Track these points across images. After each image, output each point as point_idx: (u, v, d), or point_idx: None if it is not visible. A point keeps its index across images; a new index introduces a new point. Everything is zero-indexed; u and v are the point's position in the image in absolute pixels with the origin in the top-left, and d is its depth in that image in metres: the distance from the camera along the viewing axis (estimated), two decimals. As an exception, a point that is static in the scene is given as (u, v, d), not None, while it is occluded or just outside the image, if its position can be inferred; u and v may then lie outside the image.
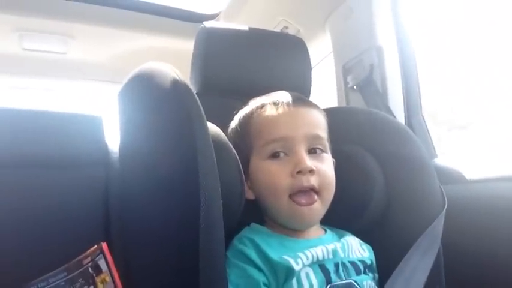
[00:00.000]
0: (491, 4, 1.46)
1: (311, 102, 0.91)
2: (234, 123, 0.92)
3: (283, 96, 0.87)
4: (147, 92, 0.75)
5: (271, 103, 0.86)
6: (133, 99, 0.80)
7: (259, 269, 0.72)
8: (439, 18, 1.51)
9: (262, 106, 0.87)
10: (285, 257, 0.74)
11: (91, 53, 1.89)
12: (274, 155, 0.82)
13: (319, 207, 0.81)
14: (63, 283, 0.80)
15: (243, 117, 0.90)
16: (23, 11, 1.57)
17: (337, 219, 0.89)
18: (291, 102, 0.86)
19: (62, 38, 1.74)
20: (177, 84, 0.69)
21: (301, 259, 0.75)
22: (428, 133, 1.27)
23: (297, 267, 0.73)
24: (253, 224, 0.84)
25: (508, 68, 1.50)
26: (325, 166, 0.83)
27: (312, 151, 0.83)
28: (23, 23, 1.64)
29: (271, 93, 0.90)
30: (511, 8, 1.33)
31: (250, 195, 0.84)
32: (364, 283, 0.78)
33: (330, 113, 0.93)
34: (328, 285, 0.74)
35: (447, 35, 1.57)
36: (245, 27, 1.14)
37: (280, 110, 0.84)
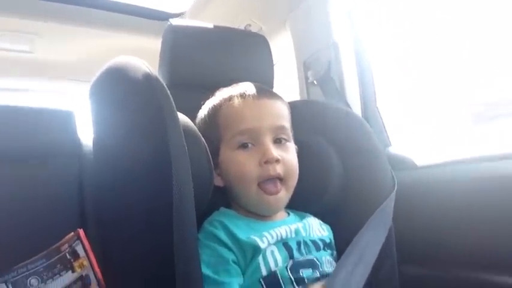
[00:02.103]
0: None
1: (275, 93, 0.97)
2: (202, 113, 0.96)
3: (249, 88, 0.93)
4: (119, 85, 0.78)
5: (238, 95, 0.91)
6: (106, 92, 0.83)
7: (229, 248, 0.79)
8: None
9: (230, 98, 0.92)
10: (252, 236, 0.81)
11: (57, 52, 1.89)
12: (243, 146, 0.87)
13: (283, 196, 0.89)
14: (41, 269, 0.84)
15: (211, 108, 0.95)
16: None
17: (298, 203, 0.95)
18: (256, 94, 0.91)
19: (28, 36, 1.73)
20: (148, 77, 0.73)
21: (267, 238, 0.82)
22: (383, 124, 1.36)
23: (262, 246, 0.80)
24: (222, 208, 0.90)
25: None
26: (290, 155, 0.90)
27: (277, 141, 0.89)
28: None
29: (237, 85, 0.96)
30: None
31: (219, 182, 0.90)
32: (324, 259, 0.86)
33: (293, 105, 1.00)
34: (291, 261, 0.81)
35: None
36: (210, 25, 1.18)
37: (247, 103, 0.90)
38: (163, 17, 1.77)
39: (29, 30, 1.71)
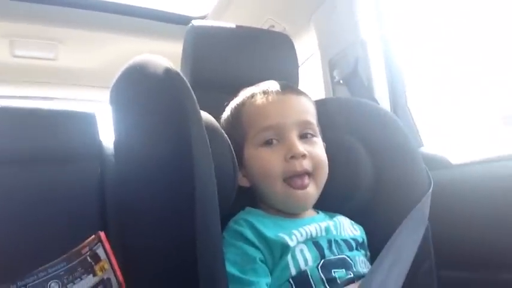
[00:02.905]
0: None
1: (299, 89, 0.94)
2: (226, 114, 0.95)
3: (272, 85, 0.90)
4: (141, 82, 0.76)
5: (261, 92, 0.89)
6: (126, 91, 0.81)
7: (256, 247, 0.75)
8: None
9: (253, 96, 0.90)
10: (280, 234, 0.77)
11: (81, 59, 1.90)
12: (267, 143, 0.84)
13: (313, 190, 0.84)
14: (62, 273, 0.81)
15: (235, 107, 0.93)
16: (12, 17, 1.58)
17: (328, 203, 0.91)
18: (280, 90, 0.89)
19: (51, 43, 1.74)
20: (169, 72, 0.71)
21: (296, 236, 0.78)
22: (414, 123, 1.31)
23: (291, 244, 0.76)
24: (248, 208, 0.87)
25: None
26: (317, 149, 0.86)
27: (303, 136, 0.86)
28: (13, 29, 1.65)
29: (261, 83, 0.93)
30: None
31: (245, 182, 0.87)
32: (357, 259, 0.81)
33: (321, 103, 0.97)
34: (322, 260, 0.76)
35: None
36: (233, 25, 1.16)
37: (270, 99, 0.87)
38: (185, 20, 1.74)
39: (52, 37, 1.73)
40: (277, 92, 0.88)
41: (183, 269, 0.66)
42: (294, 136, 0.84)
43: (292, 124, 0.84)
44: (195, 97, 0.71)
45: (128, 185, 0.82)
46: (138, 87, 0.78)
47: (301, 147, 0.82)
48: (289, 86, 0.92)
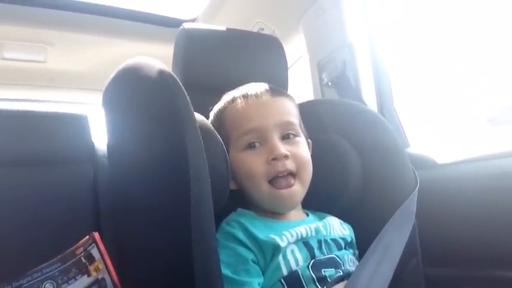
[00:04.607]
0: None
1: (280, 90, 0.95)
2: (209, 119, 0.96)
3: (253, 89, 0.92)
4: (135, 84, 0.77)
5: (241, 96, 0.91)
6: (121, 92, 0.82)
7: (248, 248, 0.77)
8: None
9: (233, 100, 0.91)
10: (271, 235, 0.78)
11: (71, 61, 1.89)
12: (250, 146, 0.86)
13: (298, 189, 0.86)
14: (57, 273, 0.82)
15: (217, 112, 0.95)
16: (2, 20, 1.57)
17: (318, 202, 0.93)
18: (259, 93, 0.90)
19: (41, 46, 1.74)
20: (163, 74, 0.72)
21: (286, 237, 0.79)
22: (400, 124, 1.33)
23: (282, 244, 0.78)
24: (239, 209, 0.88)
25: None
26: (300, 149, 0.88)
27: (285, 137, 0.87)
28: (3, 32, 1.64)
29: (241, 87, 0.95)
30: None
31: (232, 185, 0.88)
32: (346, 257, 0.83)
33: (310, 105, 0.98)
34: (313, 260, 0.78)
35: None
36: (223, 28, 1.18)
37: (250, 102, 0.89)
38: (175, 23, 1.75)
39: (42, 39, 1.72)
40: (256, 95, 0.90)
41: (179, 270, 0.67)
42: (275, 138, 0.85)
43: (273, 126, 0.86)
44: (189, 99, 0.72)
45: (122, 186, 0.82)
46: (132, 90, 0.78)
47: (282, 148, 0.84)
48: (269, 87, 0.93)
